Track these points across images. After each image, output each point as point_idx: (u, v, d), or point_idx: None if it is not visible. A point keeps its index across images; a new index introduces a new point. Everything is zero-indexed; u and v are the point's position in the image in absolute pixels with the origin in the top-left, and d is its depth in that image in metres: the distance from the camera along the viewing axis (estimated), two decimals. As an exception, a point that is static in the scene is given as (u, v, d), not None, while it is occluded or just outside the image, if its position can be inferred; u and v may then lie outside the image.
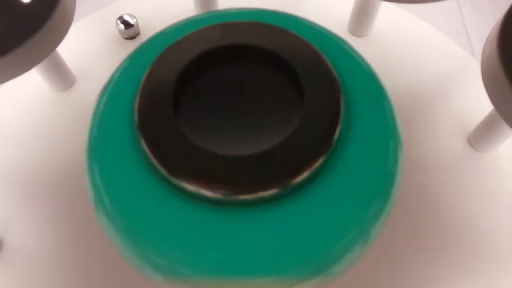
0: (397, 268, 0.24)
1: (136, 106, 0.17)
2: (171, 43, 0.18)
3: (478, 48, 0.40)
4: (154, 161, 0.16)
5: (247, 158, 0.15)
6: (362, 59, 0.21)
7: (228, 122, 0.17)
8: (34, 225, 0.25)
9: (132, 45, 0.31)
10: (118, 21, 0.30)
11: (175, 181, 0.16)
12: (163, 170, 0.16)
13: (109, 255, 0.25)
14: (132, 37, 0.31)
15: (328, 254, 0.16)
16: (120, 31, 0.31)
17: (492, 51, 0.22)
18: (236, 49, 0.17)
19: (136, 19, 0.31)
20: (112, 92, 0.19)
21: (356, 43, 0.30)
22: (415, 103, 0.29)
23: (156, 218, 0.16)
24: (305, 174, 0.15)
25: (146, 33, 0.31)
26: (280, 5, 0.31)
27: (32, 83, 0.29)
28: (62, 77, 0.29)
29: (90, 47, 0.31)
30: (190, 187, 0.15)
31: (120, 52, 0.30)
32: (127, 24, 0.30)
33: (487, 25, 0.26)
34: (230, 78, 0.18)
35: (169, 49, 0.17)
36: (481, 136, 0.26)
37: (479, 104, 0.29)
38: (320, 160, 0.16)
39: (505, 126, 0.24)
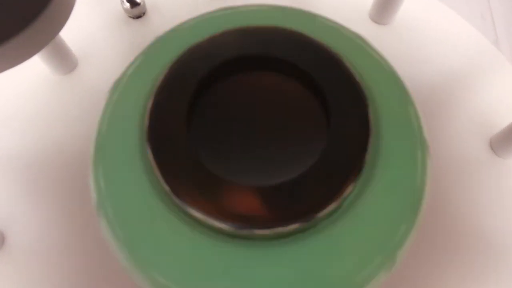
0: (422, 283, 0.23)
1: (147, 113, 0.15)
2: (189, 47, 0.16)
3: (504, 34, 0.38)
4: (159, 176, 0.15)
5: (266, 189, 0.14)
6: (386, 62, 0.19)
7: (244, 142, 0.16)
8: (35, 219, 0.24)
9: (138, 25, 0.29)
10: (125, -2, 0.28)
11: (180, 204, 0.14)
12: (167, 188, 0.14)
13: (110, 252, 0.24)
14: (138, 16, 0.29)
15: (351, 285, 0.15)
16: (126, 10, 0.29)
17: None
18: (257, 59, 0.16)
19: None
20: (124, 89, 0.17)
21: (379, 32, 0.28)
22: (433, 100, 0.28)
23: (158, 237, 0.15)
24: (332, 207, 0.14)
25: (153, 12, 0.29)
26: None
27: (32, 67, 0.27)
28: (64, 60, 0.27)
29: (93, 27, 0.29)
30: (197, 214, 0.14)
31: (125, 32, 0.29)
32: (133, 2, 0.28)
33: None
34: (249, 89, 0.16)
35: (187, 54, 0.16)
36: (506, 140, 0.25)
37: (505, 103, 0.27)
38: (349, 190, 0.14)
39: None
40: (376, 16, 0.29)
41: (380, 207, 0.16)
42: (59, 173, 0.26)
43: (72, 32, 0.28)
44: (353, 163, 0.15)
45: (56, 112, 0.27)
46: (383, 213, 0.16)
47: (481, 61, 0.29)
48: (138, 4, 0.28)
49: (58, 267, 0.24)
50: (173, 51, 0.17)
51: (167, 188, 0.14)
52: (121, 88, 0.18)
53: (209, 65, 0.15)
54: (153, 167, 0.15)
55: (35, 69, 0.27)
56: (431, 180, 0.18)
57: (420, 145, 0.18)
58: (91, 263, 0.24)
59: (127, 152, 0.16)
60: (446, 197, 0.25)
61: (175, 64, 0.16)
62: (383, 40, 0.28)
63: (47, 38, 0.22)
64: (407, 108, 0.18)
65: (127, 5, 0.28)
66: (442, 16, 0.30)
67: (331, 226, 0.15)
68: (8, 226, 0.24)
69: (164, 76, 0.16)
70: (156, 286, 0.16)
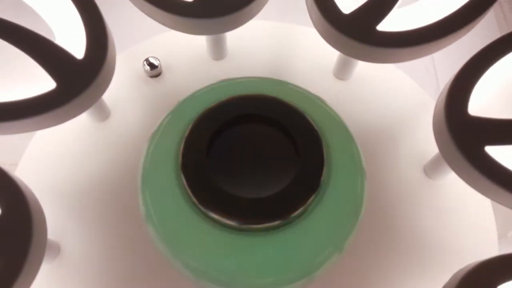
0: (368, 270, 0.32)
1: (180, 152, 0.24)
2: (205, 109, 0.24)
3: (445, 82, 0.47)
4: (190, 193, 0.23)
5: (258, 200, 0.22)
6: (339, 117, 0.28)
7: (243, 168, 0.24)
8: (83, 232, 0.32)
9: (156, 83, 0.37)
10: (145, 63, 0.37)
11: (204, 210, 0.22)
12: (195, 200, 0.23)
13: (149, 258, 0.32)
14: (156, 76, 0.38)
15: (315, 262, 0.24)
16: (146, 71, 0.37)
17: (440, 111, 0.29)
18: (251, 116, 0.24)
19: (159, 61, 0.37)
20: (161, 137, 0.26)
21: (339, 86, 0.37)
22: (380, 137, 0.36)
23: (188, 233, 0.23)
24: (300, 210, 0.22)
25: (168, 73, 0.38)
26: (278, 56, 0.38)
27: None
28: (101, 111, 0.35)
29: (121, 84, 0.37)
30: (214, 216, 0.22)
31: (145, 88, 0.37)
32: (151, 65, 0.37)
33: (454, 62, 0.33)
34: (246, 135, 0.25)
35: (204, 113, 0.24)
36: (434, 167, 0.34)
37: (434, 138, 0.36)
38: (310, 200, 0.23)
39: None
40: (337, 73, 0.38)
41: (332, 212, 0.24)
42: (101, 196, 0.34)
43: (106, 89, 0.36)
44: (313, 183, 0.23)
45: (95, 150, 0.35)
46: (334, 216, 0.24)
47: (416, 106, 0.38)
48: (156, 66, 0.37)
49: (103, 268, 0.32)
50: (193, 111, 0.25)
51: (195, 200, 0.22)
52: (158, 136, 0.26)
53: (219, 120, 0.24)
54: (185, 187, 0.23)
55: (79, 117, 0.35)
56: (369, 195, 0.27)
57: (359, 171, 0.26)
58: (134, 260, 0.32)
59: (167, 178, 0.24)
60: (388, 208, 0.33)
61: (197, 120, 0.24)
62: (342, 92, 0.37)
63: (96, 99, 0.31)
64: (351, 146, 0.27)
65: (148, 67, 0.37)
66: (389, 72, 0.39)
67: (300, 223, 0.23)
68: (63, 238, 0.32)
69: (190, 128, 0.24)
70: (187, 267, 0.24)
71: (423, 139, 0.36)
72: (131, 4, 0.33)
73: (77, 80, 0.29)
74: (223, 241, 0.23)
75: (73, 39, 0.31)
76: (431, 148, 0.33)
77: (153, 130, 0.26)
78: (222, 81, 0.28)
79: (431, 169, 0.34)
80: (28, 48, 0.29)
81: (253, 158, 0.25)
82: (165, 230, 0.24)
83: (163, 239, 0.24)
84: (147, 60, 0.37)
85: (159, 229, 0.24)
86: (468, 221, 0.34)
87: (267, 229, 0.22)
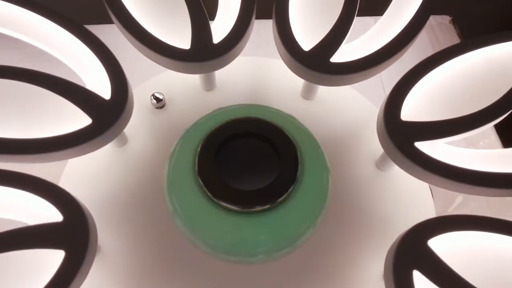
0: (336, 242, 0.41)
1: (196, 163, 0.33)
2: (211, 130, 0.34)
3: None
4: (205, 190, 0.32)
5: (254, 191, 0.32)
6: (307, 129, 0.38)
7: (241, 169, 0.34)
8: (117, 234, 0.41)
9: (161, 113, 0.47)
10: (152, 97, 0.46)
11: (216, 201, 0.32)
12: (210, 195, 0.32)
13: (174, 245, 0.40)
14: (161, 107, 0.47)
15: (296, 234, 0.33)
16: (153, 104, 0.47)
17: (380, 118, 0.39)
18: (245, 133, 0.34)
19: (163, 95, 0.47)
20: (178, 155, 0.35)
21: (306, 104, 0.47)
22: (340, 142, 0.47)
23: (206, 220, 0.33)
24: (283, 197, 0.32)
25: (170, 105, 0.47)
26: (256, 85, 0.48)
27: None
28: (121, 138, 0.44)
29: (134, 115, 0.46)
30: (223, 204, 0.32)
31: (154, 118, 0.46)
32: (157, 99, 0.46)
33: (398, 77, 0.43)
34: (242, 146, 0.35)
35: (211, 133, 0.34)
36: (383, 162, 0.44)
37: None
38: (290, 190, 0.32)
39: (394, 157, 0.42)
40: (304, 95, 0.48)
41: (306, 198, 0.34)
42: (128, 205, 0.42)
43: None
44: (291, 178, 0.33)
45: (118, 169, 0.44)
46: (307, 201, 0.34)
47: (366, 116, 0.48)
48: (161, 100, 0.46)
49: (136, 259, 0.40)
50: (200, 134, 0.35)
51: (210, 194, 0.32)
52: (176, 155, 0.35)
53: (222, 137, 0.34)
54: (202, 186, 0.32)
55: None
56: (333, 186, 0.36)
57: (325, 169, 0.36)
58: (162, 249, 0.40)
59: (187, 182, 0.34)
60: (349, 195, 0.43)
61: (206, 138, 0.34)
62: (309, 109, 0.48)
63: (120, 131, 0.40)
64: (318, 151, 0.37)
65: (154, 101, 0.46)
66: (344, 91, 0.49)
67: (284, 206, 0.33)
68: (103, 240, 0.41)
69: (202, 144, 0.34)
70: (205, 244, 0.34)
71: (373, 141, 0.46)
72: (132, 49, 0.42)
73: (107, 116, 0.38)
74: (230, 221, 0.32)
75: (99, 84, 0.40)
76: (379, 147, 0.44)
77: (170, 151, 0.36)
78: (218, 109, 0.37)
79: (380, 163, 0.45)
80: (68, 94, 0.38)
81: (248, 162, 0.35)
82: (188, 219, 0.34)
83: (187, 226, 0.34)
84: (153, 95, 0.46)
85: (184, 219, 0.33)
86: (411, 201, 0.44)
87: (261, 211, 0.32)
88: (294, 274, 0.39)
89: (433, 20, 0.64)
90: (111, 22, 0.43)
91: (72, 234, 0.33)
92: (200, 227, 0.33)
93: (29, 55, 0.55)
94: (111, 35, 0.48)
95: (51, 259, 0.33)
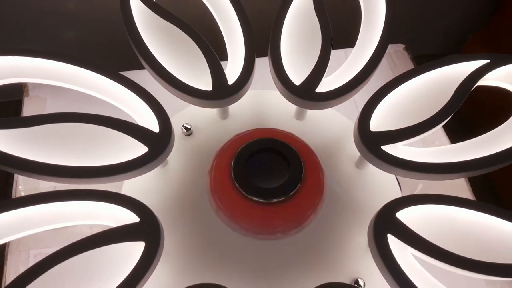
0: (331, 227, 0.56)
1: (232, 170, 0.48)
2: (239, 149, 0.49)
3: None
4: (239, 188, 0.47)
5: (272, 188, 0.47)
6: (305, 142, 0.53)
7: (263, 173, 0.49)
8: (170, 232, 0.55)
9: (190, 139, 0.61)
10: (182, 127, 0.61)
11: (246, 195, 0.46)
12: (243, 191, 0.47)
13: (220, 237, 0.54)
14: (190, 135, 0.61)
15: (303, 218, 0.48)
16: (183, 132, 0.61)
17: (355, 130, 0.55)
18: (263, 149, 0.49)
19: (191, 125, 0.61)
20: (216, 167, 0.50)
21: (299, 123, 0.63)
22: (328, 150, 0.62)
23: (241, 210, 0.47)
24: (293, 192, 0.47)
25: (196, 132, 0.62)
26: (260, 111, 0.63)
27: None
28: (164, 161, 0.58)
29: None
30: (252, 197, 0.46)
31: (185, 143, 0.61)
32: (187, 129, 0.61)
33: (367, 97, 0.58)
34: (261, 158, 0.49)
35: (240, 151, 0.48)
36: (361, 162, 0.59)
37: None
38: (297, 186, 0.47)
39: (368, 158, 0.57)
40: (297, 117, 0.63)
41: (308, 192, 0.48)
42: (176, 211, 0.56)
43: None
44: (297, 179, 0.48)
45: (163, 185, 0.58)
46: (310, 194, 0.49)
47: (346, 130, 0.63)
48: (189, 129, 0.61)
49: (187, 258, 0.54)
50: (231, 152, 0.49)
51: (242, 191, 0.46)
52: (214, 168, 0.50)
53: (248, 153, 0.48)
54: (237, 187, 0.47)
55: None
56: (326, 182, 0.51)
57: (320, 170, 0.51)
58: (206, 239, 0.54)
59: (226, 186, 0.48)
60: (338, 189, 0.58)
61: (238, 154, 0.48)
62: (301, 127, 0.63)
63: (168, 155, 0.54)
64: (314, 157, 0.52)
65: (184, 130, 0.61)
66: (327, 112, 0.65)
67: (293, 198, 0.47)
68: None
69: (235, 158, 0.48)
70: (240, 227, 0.48)
71: (352, 147, 0.61)
72: (160, 89, 0.56)
73: (159, 145, 0.52)
74: (255, 209, 0.47)
75: (147, 120, 0.54)
76: (357, 151, 0.59)
77: (208, 167, 0.50)
78: (236, 135, 0.52)
79: (358, 163, 0.60)
80: (128, 130, 0.52)
81: (266, 168, 0.50)
82: (229, 212, 0.48)
83: (229, 217, 0.48)
84: (183, 126, 0.61)
85: (226, 212, 0.48)
86: (384, 189, 0.59)
87: (277, 202, 0.47)
88: (303, 248, 0.54)
89: (390, 48, 0.80)
90: (142, 67, 0.57)
91: (148, 229, 0.47)
92: (238, 216, 0.48)
93: (76, 100, 0.68)
94: (143, 79, 0.62)
95: (135, 250, 0.46)
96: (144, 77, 0.58)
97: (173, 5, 0.64)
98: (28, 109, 0.76)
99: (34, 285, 0.42)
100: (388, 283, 0.46)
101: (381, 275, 0.47)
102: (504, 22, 1.42)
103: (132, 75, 0.59)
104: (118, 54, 0.99)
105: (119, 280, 0.44)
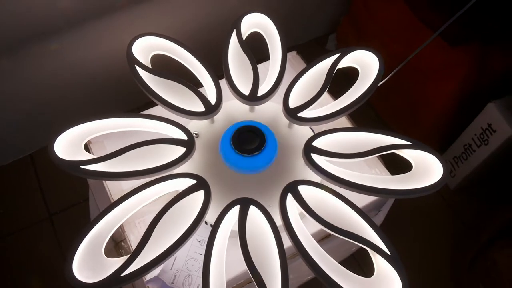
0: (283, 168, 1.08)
1: (231, 141, 0.98)
2: (235, 128, 1.00)
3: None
4: (235, 149, 0.98)
5: (252, 149, 0.98)
6: (261, 123, 1.04)
7: (248, 141, 1.01)
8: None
9: (198, 139, 1.11)
10: (194, 134, 1.09)
11: (238, 152, 0.98)
12: (237, 150, 0.98)
13: (225, 173, 1.04)
14: (197, 137, 1.10)
15: (268, 162, 1.00)
16: (195, 135, 1.09)
17: (283, 109, 1.07)
18: (250, 130, 1.00)
19: (198, 132, 1.10)
20: (224, 136, 1.00)
21: (252, 115, 1.15)
22: (275, 124, 1.13)
23: (236, 159, 0.99)
24: (262, 149, 0.98)
25: (202, 136, 1.11)
26: (228, 113, 1.14)
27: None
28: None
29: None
30: (243, 154, 0.98)
31: (197, 142, 1.09)
32: (196, 135, 1.10)
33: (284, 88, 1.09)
34: (248, 136, 1.01)
35: (236, 130, 0.99)
36: (290, 125, 1.12)
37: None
38: (263, 147, 0.99)
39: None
40: (250, 110, 1.14)
41: (269, 150, 1.00)
42: (201, 161, 1.05)
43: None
44: (262, 144, 1.00)
45: (192, 163, 1.07)
46: (271, 151, 1.00)
47: (278, 111, 1.15)
48: (197, 134, 1.10)
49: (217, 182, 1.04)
50: (229, 133, 1.00)
51: (236, 150, 0.98)
52: (224, 135, 1.01)
53: (238, 132, 0.99)
54: (234, 148, 0.99)
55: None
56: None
57: (275, 141, 1.03)
58: (220, 174, 1.04)
59: (229, 147, 0.99)
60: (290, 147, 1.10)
61: (234, 133, 0.99)
62: (291, 133, 1.14)
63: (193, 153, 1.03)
64: (273, 137, 1.03)
65: (195, 135, 1.09)
66: (267, 104, 1.16)
67: (262, 153, 0.99)
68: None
69: (232, 135, 1.00)
70: (237, 167, 1.00)
71: (284, 119, 1.13)
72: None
73: (191, 147, 1.00)
74: (243, 159, 0.98)
75: (181, 134, 1.02)
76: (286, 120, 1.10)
77: (219, 143, 1.01)
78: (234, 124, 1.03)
79: (290, 126, 1.12)
80: (169, 142, 1.00)
81: (247, 139, 1.00)
82: (230, 161, 0.99)
83: (230, 163, 0.99)
84: (194, 133, 1.08)
85: (229, 161, 0.99)
86: (302, 136, 1.12)
87: (254, 155, 0.97)
88: (271, 178, 1.01)
89: (289, 55, 1.32)
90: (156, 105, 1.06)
91: (203, 184, 0.96)
92: (234, 162, 0.98)
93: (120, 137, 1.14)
94: (167, 113, 1.09)
95: (198, 197, 0.95)
96: (160, 111, 1.07)
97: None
98: (95, 149, 1.12)
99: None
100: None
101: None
102: (356, 8, 1.97)
103: (153, 111, 1.08)
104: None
105: (196, 211, 0.93)
